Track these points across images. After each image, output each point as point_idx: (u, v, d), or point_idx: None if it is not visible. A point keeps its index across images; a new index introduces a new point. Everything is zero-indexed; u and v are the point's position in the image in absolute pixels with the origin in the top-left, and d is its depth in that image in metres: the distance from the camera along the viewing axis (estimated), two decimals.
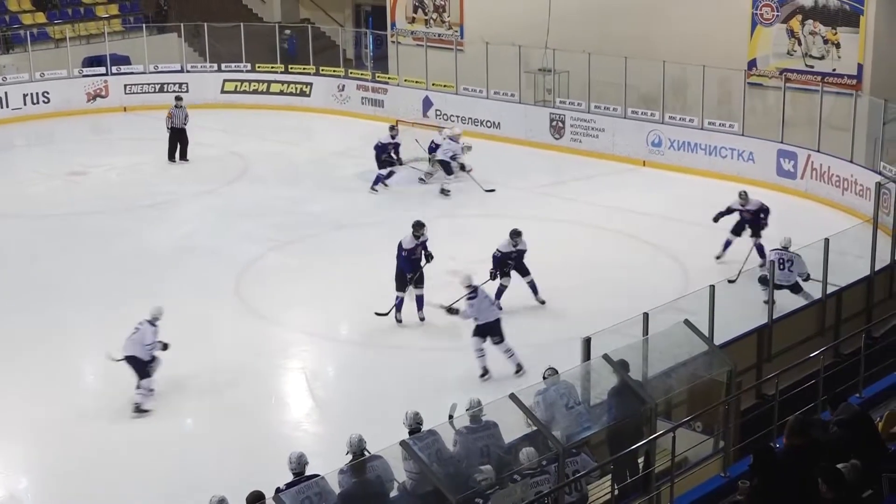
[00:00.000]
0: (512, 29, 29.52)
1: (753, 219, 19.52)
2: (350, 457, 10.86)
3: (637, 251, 20.97)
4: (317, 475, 10.63)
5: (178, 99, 27.95)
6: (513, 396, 10.86)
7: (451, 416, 11.60)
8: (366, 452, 10.89)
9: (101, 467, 13.76)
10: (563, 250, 20.95)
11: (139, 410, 14.90)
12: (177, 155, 27.29)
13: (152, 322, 15.03)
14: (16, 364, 16.58)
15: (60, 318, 18.15)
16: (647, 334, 12.89)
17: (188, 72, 33.78)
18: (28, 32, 33.76)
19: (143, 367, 14.87)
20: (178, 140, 27.27)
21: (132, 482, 13.41)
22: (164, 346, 15.04)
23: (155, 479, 13.48)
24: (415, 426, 11.47)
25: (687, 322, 12.51)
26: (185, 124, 27.27)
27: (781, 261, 17.00)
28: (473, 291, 15.77)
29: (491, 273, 17.54)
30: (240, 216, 23.19)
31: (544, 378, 12.15)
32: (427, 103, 30.50)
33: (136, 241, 21.85)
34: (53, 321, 18.02)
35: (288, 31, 35.11)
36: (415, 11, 33.79)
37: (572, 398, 11.79)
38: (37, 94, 32.27)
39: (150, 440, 14.31)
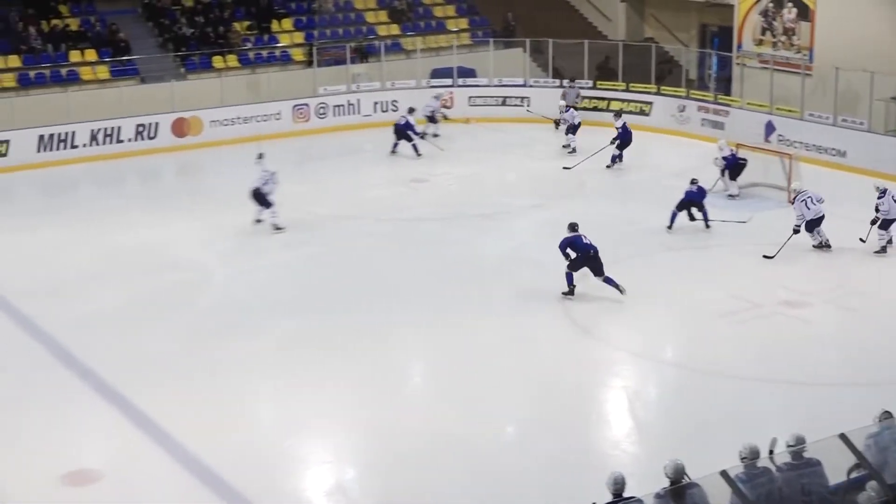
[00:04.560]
0: (864, 54, 28.35)
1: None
2: (668, 482, 10.67)
3: None
4: (634, 498, 10.51)
5: (571, 80, 29.41)
6: (843, 437, 10.40)
7: (771, 451, 11.23)
8: (685, 479, 10.66)
9: (416, 466, 14.05)
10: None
11: None
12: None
13: None
14: (343, 362, 17.22)
15: (387, 318, 18.79)
16: None
17: (530, 86, 34.39)
18: (382, 44, 35.41)
19: None
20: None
21: (445, 483, 13.66)
22: None
23: (466, 482, 13.62)
24: (753, 459, 11.08)
25: None
26: (576, 102, 31.50)
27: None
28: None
29: None
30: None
31: (879, 421, 11.55)
32: (769, 128, 29.67)
33: (467, 248, 22.44)
34: (382, 321, 18.68)
35: (715, 56, 35.07)
36: (763, 33, 33.02)
37: None
38: (386, 102, 33.78)
39: (467, 444, 14.54)
